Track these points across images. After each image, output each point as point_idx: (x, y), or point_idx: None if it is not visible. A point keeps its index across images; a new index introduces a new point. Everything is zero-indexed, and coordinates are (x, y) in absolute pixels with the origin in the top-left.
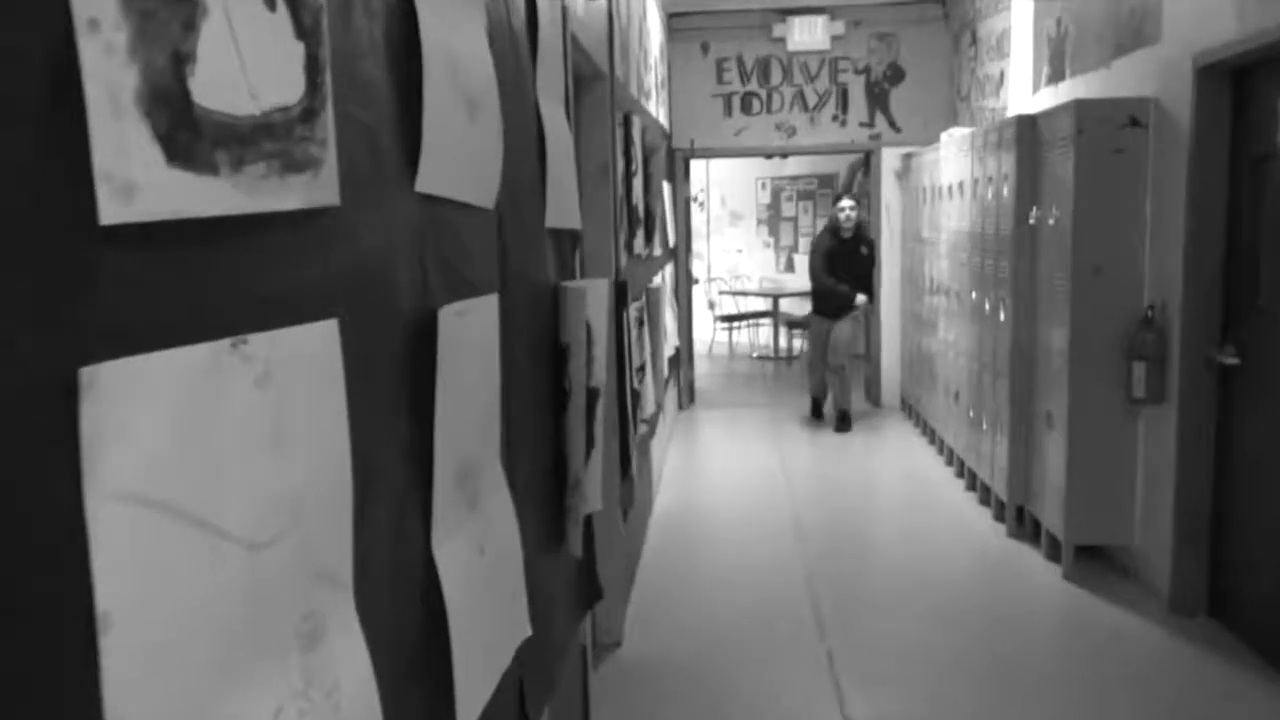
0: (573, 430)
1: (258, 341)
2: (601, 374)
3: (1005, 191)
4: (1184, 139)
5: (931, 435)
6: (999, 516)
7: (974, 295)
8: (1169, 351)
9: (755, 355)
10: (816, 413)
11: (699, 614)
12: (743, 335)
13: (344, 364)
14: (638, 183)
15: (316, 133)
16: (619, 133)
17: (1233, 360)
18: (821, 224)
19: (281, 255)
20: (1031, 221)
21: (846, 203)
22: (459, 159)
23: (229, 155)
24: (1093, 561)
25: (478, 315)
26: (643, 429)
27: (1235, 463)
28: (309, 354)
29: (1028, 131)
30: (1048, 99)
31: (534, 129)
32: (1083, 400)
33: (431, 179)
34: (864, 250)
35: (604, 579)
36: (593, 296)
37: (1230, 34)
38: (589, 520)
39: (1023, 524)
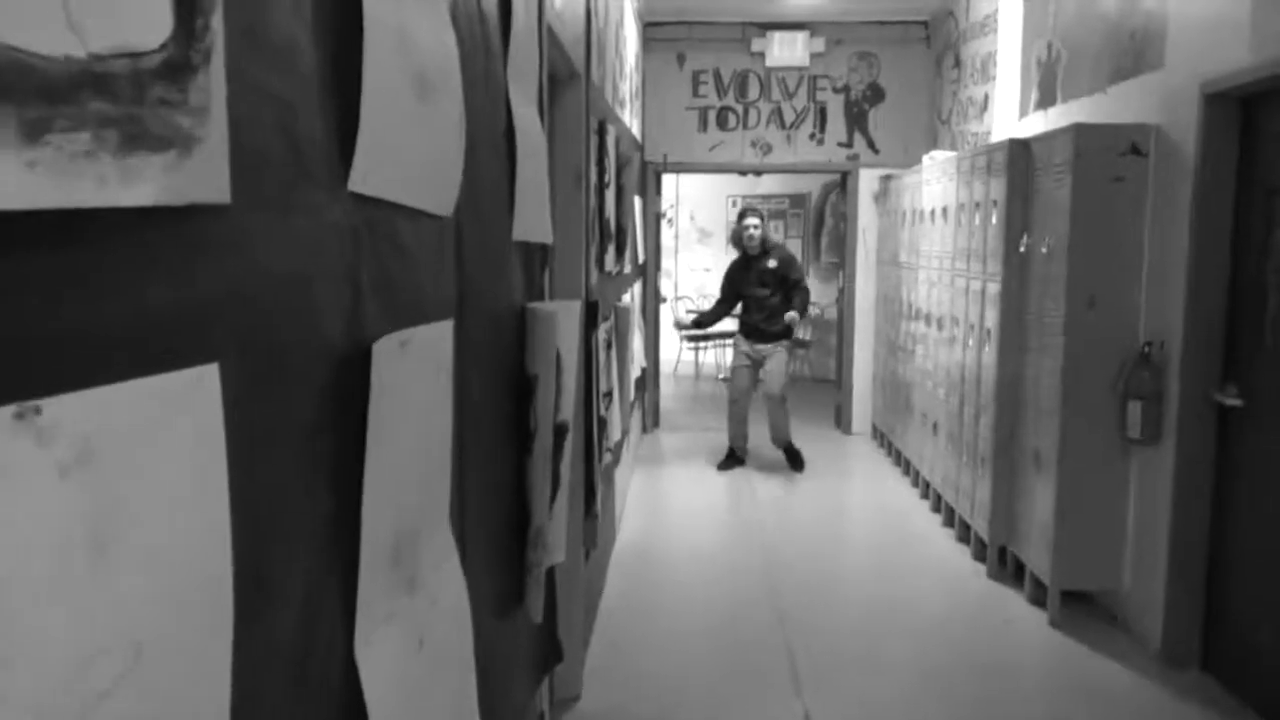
0: (537, 475)
1: (60, 408)
2: (570, 407)
3: (994, 218)
4: (1188, 168)
5: (906, 466)
6: (979, 556)
7: (957, 324)
8: (1166, 390)
9: (721, 376)
10: (732, 462)
11: (664, 662)
12: (709, 356)
13: (228, 424)
14: (610, 195)
15: (191, 97)
16: (593, 141)
17: (1235, 401)
18: (792, 244)
19: (120, 274)
20: (1021, 249)
21: (751, 220)
22: (407, 152)
23: (21, 117)
24: (1079, 607)
25: (427, 347)
26: (608, 459)
27: (1234, 508)
28: (160, 418)
29: (1020, 156)
30: (1037, 124)
31: (503, 125)
32: (1074, 439)
33: (370, 176)
34: (773, 267)
35: (564, 629)
36: (564, 321)
37: (1242, 61)
38: (551, 573)
39: (1004, 565)
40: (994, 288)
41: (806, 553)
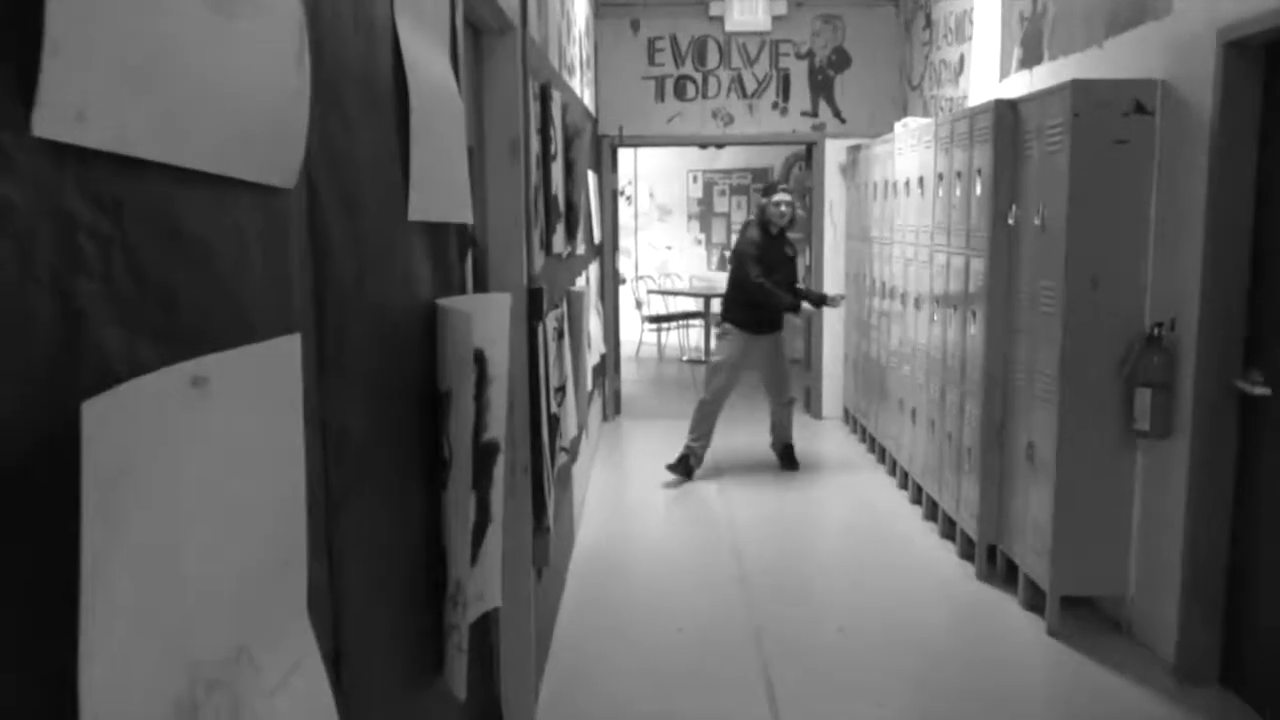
0: (454, 514)
1: None
2: (501, 422)
3: (977, 188)
4: (1202, 127)
5: (881, 453)
6: (966, 554)
7: (937, 303)
8: (1179, 377)
9: (685, 358)
10: (677, 465)
11: (628, 688)
12: (672, 337)
13: None
14: (558, 169)
15: None
16: (535, 107)
17: (1261, 390)
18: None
19: None
20: (1010, 222)
21: (783, 196)
22: (182, 80)
23: None
24: (1080, 613)
25: (248, 378)
26: (563, 459)
27: (1258, 509)
28: None
29: (1007, 119)
30: (1020, 86)
31: (388, 74)
32: (1073, 431)
33: (94, 117)
34: (789, 251)
35: (509, 674)
36: (488, 317)
37: (1268, 2)
38: (486, 622)
39: (994, 565)
40: (979, 264)
41: (781, 555)
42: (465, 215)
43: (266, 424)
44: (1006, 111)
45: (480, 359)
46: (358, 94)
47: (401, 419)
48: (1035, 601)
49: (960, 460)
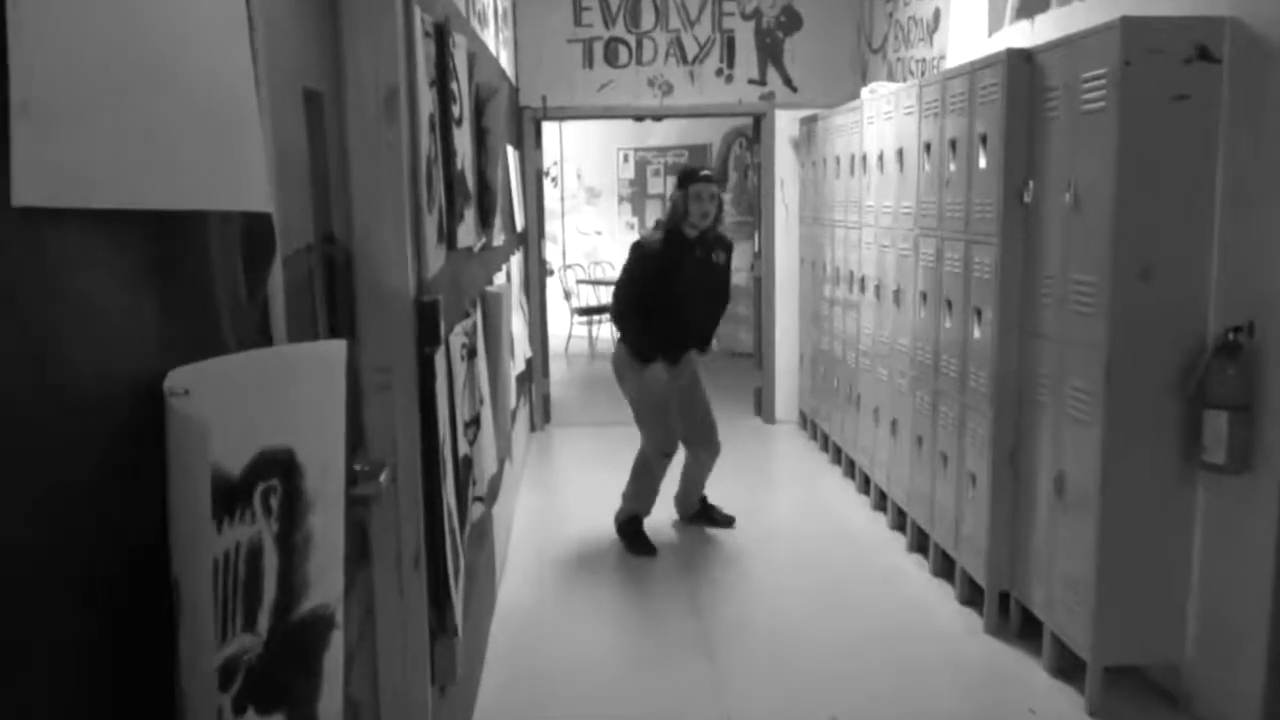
0: None
1: None
2: (335, 571)
3: (981, 160)
4: None
5: (850, 466)
6: (969, 600)
7: (924, 298)
8: (1262, 396)
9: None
10: (637, 542)
11: None
12: (604, 330)
13: None
14: (465, 137)
15: None
16: (427, 49)
17: None
18: None
19: None
20: (1026, 200)
21: (705, 186)
22: None
23: None
24: (1124, 683)
25: None
26: (478, 511)
27: None
28: None
29: (1021, 73)
30: (1017, 40)
31: None
32: (1121, 461)
33: None
34: (719, 258)
35: None
36: (296, 391)
37: None
38: None
39: (1007, 616)
40: (984, 252)
41: (747, 610)
42: (254, 199)
43: None
44: (1021, 64)
45: (288, 469)
46: None
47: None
48: (1065, 666)
49: (961, 487)
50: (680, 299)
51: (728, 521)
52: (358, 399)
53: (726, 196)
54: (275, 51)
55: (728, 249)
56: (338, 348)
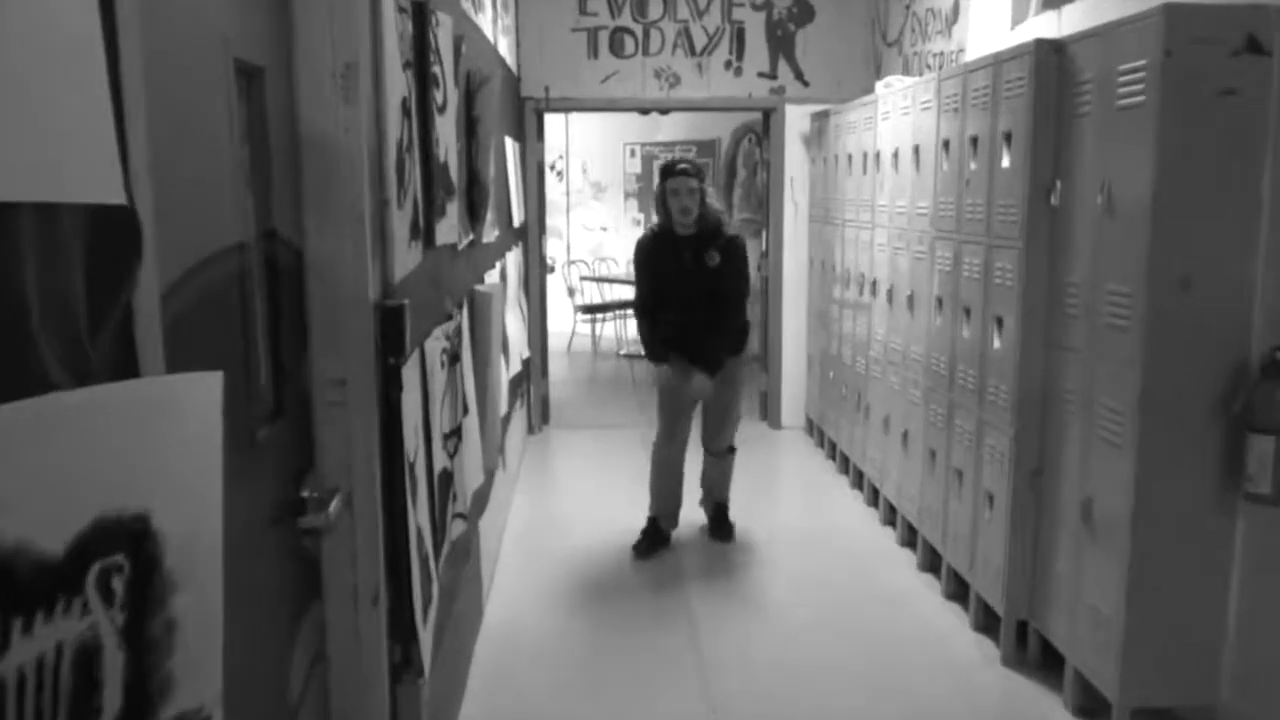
0: None
1: None
2: (211, 669)
3: (1004, 158)
4: None
5: (858, 477)
6: (984, 628)
7: (938, 303)
8: None
9: (622, 352)
10: (654, 541)
11: None
12: (608, 328)
13: None
14: (448, 125)
15: None
16: (399, 24)
17: None
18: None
19: None
20: (1053, 202)
21: (679, 181)
22: None
23: None
24: None
25: None
26: (459, 528)
27: None
28: None
29: (1049, 65)
30: (1043, 31)
31: None
32: (1155, 488)
33: None
34: (711, 260)
35: None
36: (139, 438)
37: None
38: None
39: (1025, 646)
40: (1007, 257)
41: (751, 629)
42: (87, 185)
43: None
44: (1050, 56)
45: (139, 541)
46: None
47: None
48: (1090, 705)
49: (977, 507)
50: (673, 300)
51: (722, 536)
52: (308, 417)
53: (736, 192)
54: (191, 13)
55: (726, 248)
56: (212, 381)
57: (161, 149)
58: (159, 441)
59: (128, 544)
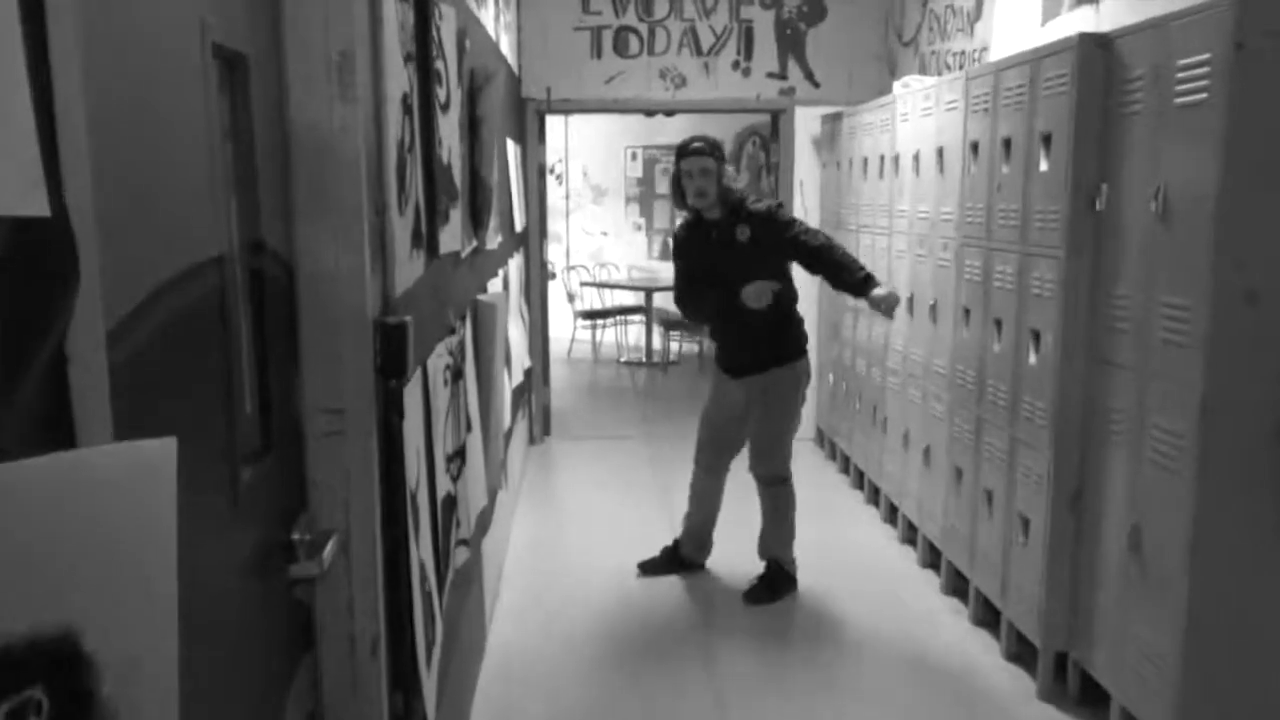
0: None
1: None
2: None
3: (1043, 162)
4: None
5: (874, 493)
6: (1017, 657)
7: (964, 314)
8: None
9: (624, 359)
10: (668, 564)
11: None
12: (608, 334)
13: None
14: (451, 124)
15: None
16: (400, 13)
17: None
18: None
19: None
20: (1098, 208)
21: (691, 162)
22: None
23: None
24: None
25: None
26: (463, 556)
27: None
28: None
29: (1094, 62)
30: (1077, 28)
31: None
32: (1216, 519)
33: None
34: (743, 234)
35: None
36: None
37: None
38: None
39: (1063, 679)
40: (1046, 267)
41: (768, 658)
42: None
43: None
44: (1094, 51)
45: (64, 667)
46: None
47: None
48: None
49: (1010, 531)
50: (713, 292)
51: (754, 597)
52: (299, 451)
53: (730, 170)
54: None
55: (759, 222)
56: (163, 450)
57: (120, 149)
58: (92, 534)
59: (47, 673)
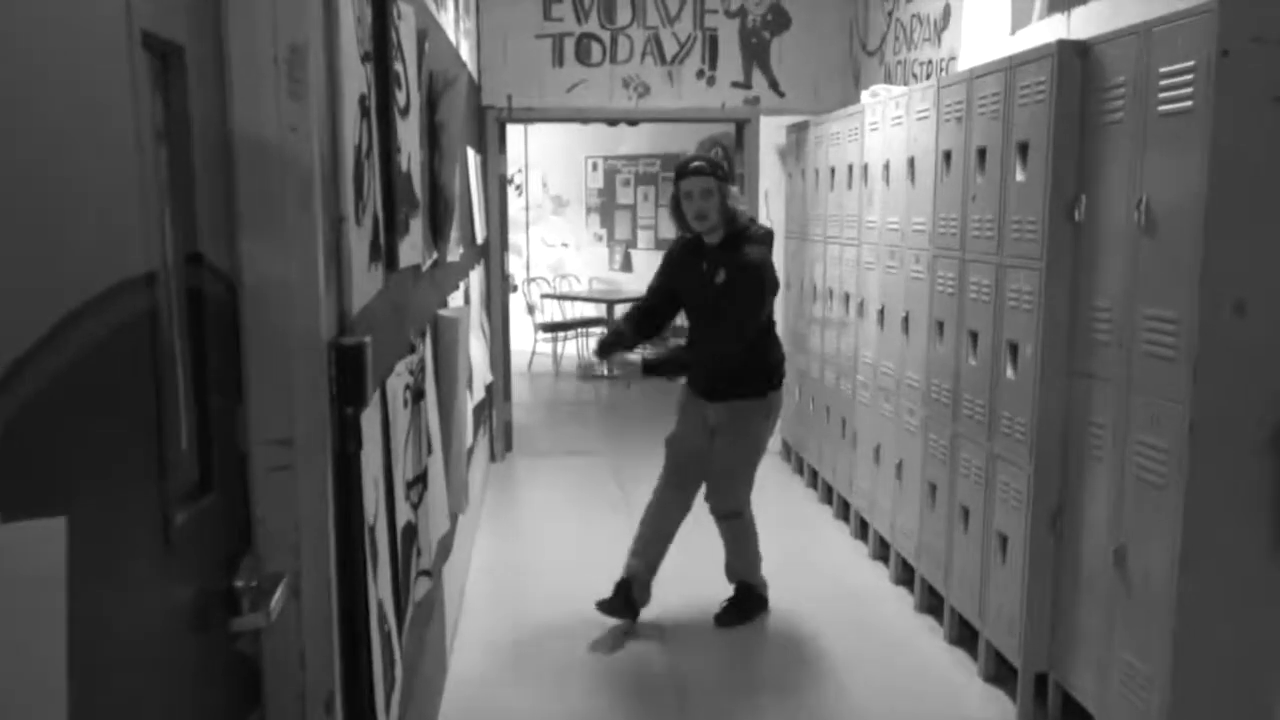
0: None
1: None
2: None
3: (1019, 171)
4: None
5: (844, 508)
6: (995, 678)
7: (937, 327)
8: None
9: (583, 375)
10: (622, 604)
11: None
12: (569, 347)
13: None
14: (411, 129)
15: None
16: (360, 8)
17: None
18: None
19: None
20: (1077, 218)
21: (691, 182)
22: None
23: None
24: None
25: None
26: (424, 587)
27: None
28: None
29: (1073, 69)
30: (1048, 36)
31: None
32: (1204, 534)
33: None
34: (719, 275)
35: None
36: None
37: None
38: None
39: (1044, 701)
40: (1025, 279)
41: (736, 686)
42: None
43: None
44: (1073, 58)
45: None
46: None
47: None
48: None
49: (987, 549)
50: (687, 313)
51: (723, 619)
52: (243, 489)
53: (734, 190)
54: None
55: (735, 269)
56: (50, 531)
57: (20, 150)
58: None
59: None
